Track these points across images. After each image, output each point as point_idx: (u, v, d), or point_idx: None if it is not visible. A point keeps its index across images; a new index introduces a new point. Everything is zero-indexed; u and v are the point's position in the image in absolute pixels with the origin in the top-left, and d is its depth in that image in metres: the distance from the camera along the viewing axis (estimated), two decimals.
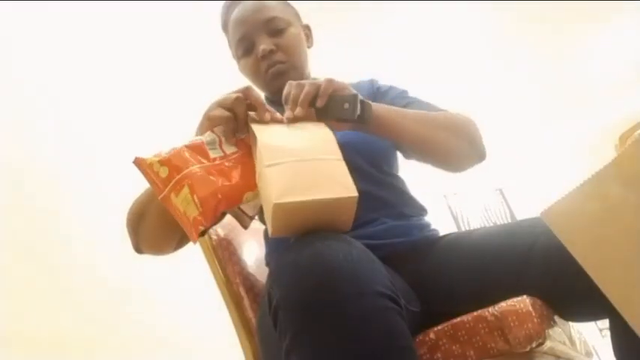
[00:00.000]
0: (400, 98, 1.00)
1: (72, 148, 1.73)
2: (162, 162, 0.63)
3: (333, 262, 0.53)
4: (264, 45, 0.92)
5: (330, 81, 0.72)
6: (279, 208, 0.56)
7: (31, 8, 1.77)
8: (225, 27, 1.04)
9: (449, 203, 6.34)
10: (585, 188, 0.53)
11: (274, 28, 0.94)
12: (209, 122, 0.69)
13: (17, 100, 1.60)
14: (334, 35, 3.49)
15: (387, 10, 3.84)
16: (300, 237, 0.58)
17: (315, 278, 0.52)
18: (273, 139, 0.65)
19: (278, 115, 0.71)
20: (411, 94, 1.04)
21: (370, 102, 0.76)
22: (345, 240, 0.57)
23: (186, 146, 0.66)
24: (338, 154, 0.64)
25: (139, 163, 0.63)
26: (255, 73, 0.96)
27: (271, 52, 0.92)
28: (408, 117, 0.82)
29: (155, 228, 0.80)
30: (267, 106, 0.71)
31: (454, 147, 0.86)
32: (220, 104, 0.69)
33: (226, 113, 0.68)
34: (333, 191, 0.58)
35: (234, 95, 0.68)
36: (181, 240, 0.83)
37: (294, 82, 0.72)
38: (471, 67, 5.07)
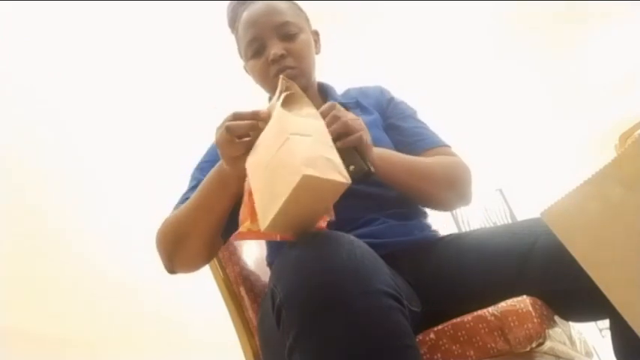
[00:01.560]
0: (407, 120, 1.02)
1: (75, 147, 1.73)
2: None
3: (337, 261, 0.53)
4: (275, 49, 0.91)
5: (361, 137, 0.69)
6: (305, 180, 0.54)
7: (33, 9, 1.78)
8: (232, 25, 1.03)
9: None
10: (585, 188, 0.52)
11: (286, 33, 0.93)
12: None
13: (17, 100, 1.60)
14: (337, 38, 3.49)
15: (387, 11, 3.84)
16: (303, 236, 0.59)
17: (319, 277, 0.52)
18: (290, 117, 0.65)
19: None
20: (420, 116, 1.06)
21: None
22: (348, 239, 0.57)
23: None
24: (331, 142, 0.64)
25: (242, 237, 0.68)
26: (263, 76, 0.95)
27: (282, 56, 0.91)
28: (399, 165, 0.85)
29: (201, 246, 0.84)
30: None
31: (442, 198, 0.90)
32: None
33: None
34: (335, 175, 0.57)
35: (249, 123, 0.69)
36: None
37: (334, 104, 0.72)
38: (472, 67, 5.07)
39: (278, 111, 0.66)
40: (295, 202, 0.55)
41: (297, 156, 0.55)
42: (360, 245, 0.57)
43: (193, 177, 0.97)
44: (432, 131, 1.02)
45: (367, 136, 0.71)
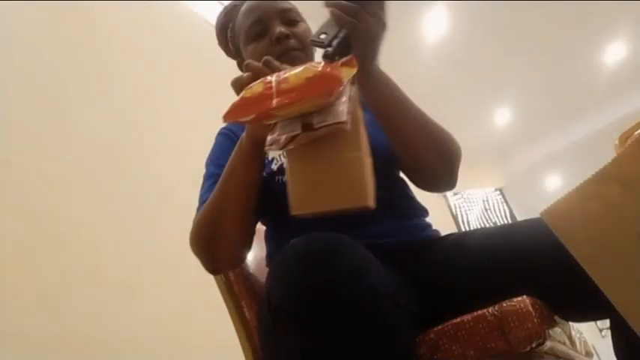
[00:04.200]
0: None
1: (73, 147, 1.73)
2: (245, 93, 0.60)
3: (333, 264, 0.53)
4: (280, 28, 0.91)
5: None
6: (361, 205, 0.57)
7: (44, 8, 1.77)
8: (224, 27, 1.03)
9: (449, 203, 6.34)
10: (585, 188, 0.52)
11: (289, 18, 0.94)
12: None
13: (17, 99, 1.60)
14: None
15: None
16: (300, 237, 0.58)
17: (315, 279, 0.52)
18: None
19: None
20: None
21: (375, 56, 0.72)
22: (344, 240, 0.57)
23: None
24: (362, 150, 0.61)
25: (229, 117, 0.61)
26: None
27: (287, 36, 0.91)
28: (396, 95, 0.78)
29: (239, 230, 0.81)
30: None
31: (428, 159, 0.82)
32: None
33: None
34: (372, 200, 0.58)
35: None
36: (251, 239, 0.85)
37: None
38: (472, 68, 5.07)
39: (356, 114, 0.61)
40: (335, 211, 0.58)
41: (367, 183, 0.58)
42: (357, 247, 0.57)
43: (209, 174, 0.94)
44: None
45: (368, 34, 0.68)
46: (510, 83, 5.46)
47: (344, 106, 0.58)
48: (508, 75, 5.28)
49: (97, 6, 2.13)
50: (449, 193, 6.33)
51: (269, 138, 0.60)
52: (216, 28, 1.07)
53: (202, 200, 0.88)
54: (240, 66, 1.03)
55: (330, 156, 0.60)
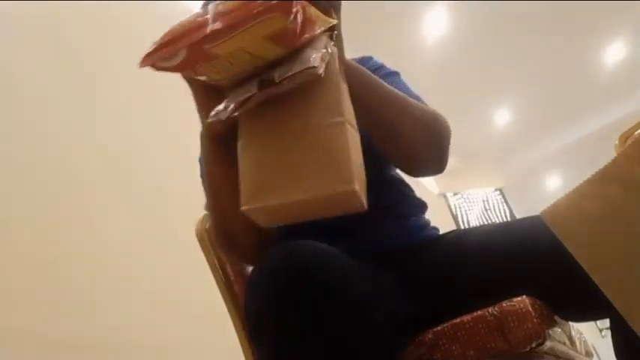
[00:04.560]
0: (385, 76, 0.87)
1: (73, 147, 1.73)
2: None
3: (305, 277, 0.52)
4: None
5: None
6: (347, 194, 0.43)
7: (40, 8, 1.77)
8: None
9: (449, 203, 6.34)
10: (585, 188, 0.52)
11: None
12: None
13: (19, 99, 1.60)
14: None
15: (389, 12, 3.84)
16: (274, 248, 0.55)
17: (285, 295, 0.51)
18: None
19: None
20: (404, 77, 0.93)
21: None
22: (318, 251, 0.55)
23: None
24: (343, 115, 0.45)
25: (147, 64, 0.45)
26: None
27: None
28: (371, 85, 0.69)
29: (239, 215, 0.64)
30: None
31: (416, 144, 0.74)
32: None
33: None
34: (364, 196, 0.45)
35: None
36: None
37: None
38: (472, 68, 5.07)
39: (334, 68, 0.46)
40: (307, 205, 0.43)
41: (352, 161, 0.42)
42: (330, 256, 0.55)
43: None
44: (416, 94, 0.86)
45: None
46: (510, 83, 5.46)
47: (316, 53, 0.42)
48: (508, 75, 5.28)
49: (96, 5, 2.13)
50: (449, 193, 6.34)
51: (215, 109, 0.44)
52: None
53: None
54: None
55: (299, 121, 0.43)
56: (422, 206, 0.95)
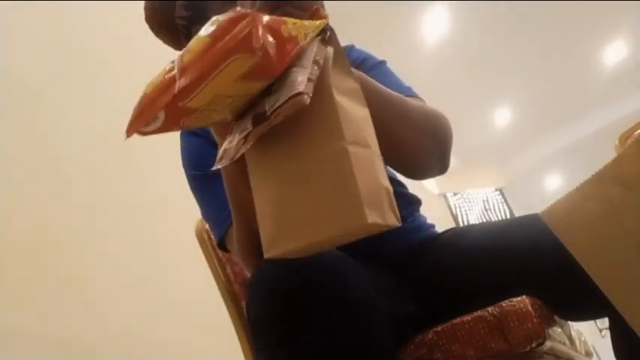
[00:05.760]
0: (372, 73, 0.82)
1: (72, 146, 1.73)
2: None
3: (309, 276, 0.52)
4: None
5: None
6: (363, 226, 0.38)
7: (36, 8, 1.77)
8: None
9: (449, 203, 6.34)
10: (585, 188, 0.52)
11: None
12: None
13: (18, 96, 1.60)
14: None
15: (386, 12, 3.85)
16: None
17: (291, 294, 0.52)
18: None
19: None
20: (390, 65, 0.89)
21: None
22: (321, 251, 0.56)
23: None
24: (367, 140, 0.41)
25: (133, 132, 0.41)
26: None
27: None
28: (373, 90, 0.63)
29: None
30: None
31: (419, 147, 0.71)
32: None
33: None
34: (391, 218, 0.42)
35: None
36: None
37: None
38: (472, 68, 5.07)
39: (326, 83, 0.41)
40: (330, 240, 0.40)
41: (360, 189, 0.38)
42: (331, 258, 0.55)
43: (204, 192, 0.85)
44: (407, 86, 0.83)
45: None
46: (510, 83, 5.46)
47: (302, 74, 0.38)
48: (508, 75, 5.28)
49: (95, 4, 2.12)
50: (449, 193, 6.34)
51: (220, 151, 0.42)
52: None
53: (214, 222, 0.82)
54: None
55: (302, 153, 0.40)
56: (416, 203, 0.94)
